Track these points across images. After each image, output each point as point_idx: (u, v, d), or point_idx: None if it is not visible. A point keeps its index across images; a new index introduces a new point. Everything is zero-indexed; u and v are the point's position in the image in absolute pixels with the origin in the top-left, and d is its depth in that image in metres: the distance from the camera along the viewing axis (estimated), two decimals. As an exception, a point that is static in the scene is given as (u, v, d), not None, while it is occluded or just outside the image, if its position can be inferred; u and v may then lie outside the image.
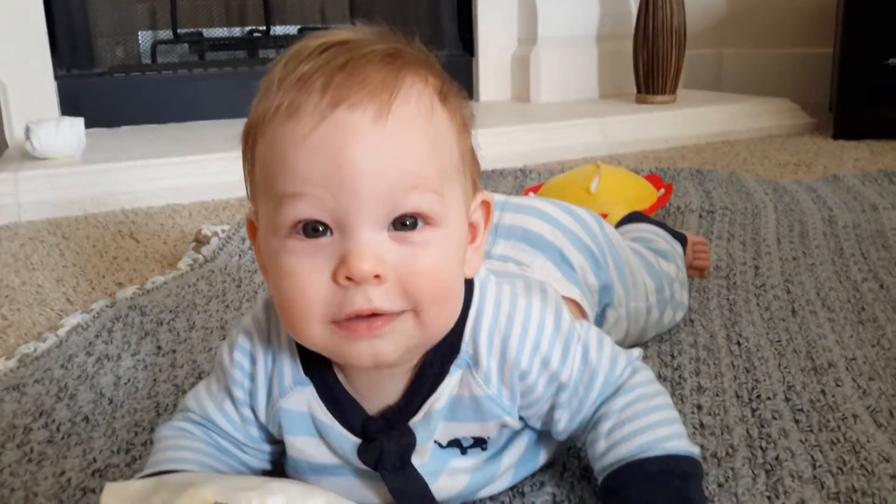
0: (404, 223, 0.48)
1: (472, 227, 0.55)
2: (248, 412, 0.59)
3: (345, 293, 0.48)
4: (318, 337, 0.50)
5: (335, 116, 0.46)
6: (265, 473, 0.62)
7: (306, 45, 0.50)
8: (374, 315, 0.48)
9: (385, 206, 0.47)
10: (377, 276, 0.47)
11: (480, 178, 0.56)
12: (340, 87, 0.47)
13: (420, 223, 0.49)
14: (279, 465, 0.62)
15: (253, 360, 0.58)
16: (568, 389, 0.56)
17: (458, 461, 0.58)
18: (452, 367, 0.55)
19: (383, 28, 0.52)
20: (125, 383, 0.83)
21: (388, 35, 0.52)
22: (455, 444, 0.58)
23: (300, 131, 0.47)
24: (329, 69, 0.47)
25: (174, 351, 0.90)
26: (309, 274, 0.48)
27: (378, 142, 0.46)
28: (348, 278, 0.47)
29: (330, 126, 0.46)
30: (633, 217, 1.08)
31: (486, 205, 0.56)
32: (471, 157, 0.54)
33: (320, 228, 0.48)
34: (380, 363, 0.50)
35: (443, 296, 0.50)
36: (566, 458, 0.66)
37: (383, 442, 0.55)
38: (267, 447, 0.61)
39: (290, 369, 0.57)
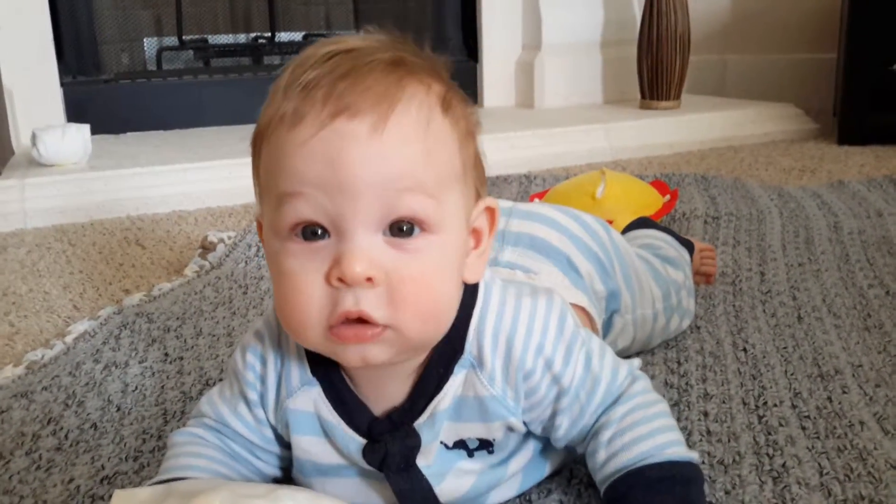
0: (401, 228, 0.49)
1: (476, 233, 0.55)
2: (261, 413, 0.60)
3: (336, 294, 0.49)
4: (314, 338, 0.51)
5: (335, 125, 0.47)
6: (276, 481, 0.62)
7: (314, 53, 0.51)
8: (362, 321, 0.49)
9: (380, 209, 0.48)
10: (369, 279, 0.48)
11: (485, 185, 0.56)
12: (342, 97, 0.48)
13: (416, 229, 0.49)
14: (290, 472, 0.62)
15: (264, 362, 0.59)
16: (569, 395, 0.57)
17: (465, 463, 0.58)
18: (456, 368, 0.56)
19: (393, 35, 0.53)
20: (133, 390, 0.83)
21: (397, 42, 0.52)
22: (461, 445, 0.58)
23: (300, 138, 0.48)
24: (332, 77, 0.48)
25: (181, 358, 0.91)
26: (305, 275, 0.49)
27: (374, 149, 0.47)
28: (340, 280, 0.48)
29: (328, 133, 0.47)
30: (641, 223, 1.08)
31: (491, 211, 0.56)
32: (474, 164, 0.54)
33: (318, 231, 0.49)
34: (369, 364, 0.51)
35: (427, 309, 0.50)
36: (573, 465, 0.66)
37: (388, 443, 0.55)
38: (279, 450, 0.61)
39: (298, 370, 0.58)
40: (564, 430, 0.58)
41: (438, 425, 0.56)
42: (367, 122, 0.47)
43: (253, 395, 0.59)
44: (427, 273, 0.50)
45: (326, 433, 0.57)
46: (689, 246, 1.02)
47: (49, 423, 0.76)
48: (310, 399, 0.57)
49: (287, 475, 0.63)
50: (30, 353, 0.93)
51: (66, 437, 0.74)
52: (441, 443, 0.57)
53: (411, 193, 0.48)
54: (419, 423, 0.56)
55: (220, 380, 0.79)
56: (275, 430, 0.60)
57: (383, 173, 0.48)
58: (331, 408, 0.57)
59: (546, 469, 0.63)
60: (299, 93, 0.49)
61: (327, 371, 0.57)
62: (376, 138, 0.47)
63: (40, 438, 0.74)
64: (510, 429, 0.58)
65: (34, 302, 1.15)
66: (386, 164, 0.48)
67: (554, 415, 0.57)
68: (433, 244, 0.50)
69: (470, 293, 0.56)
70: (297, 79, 0.49)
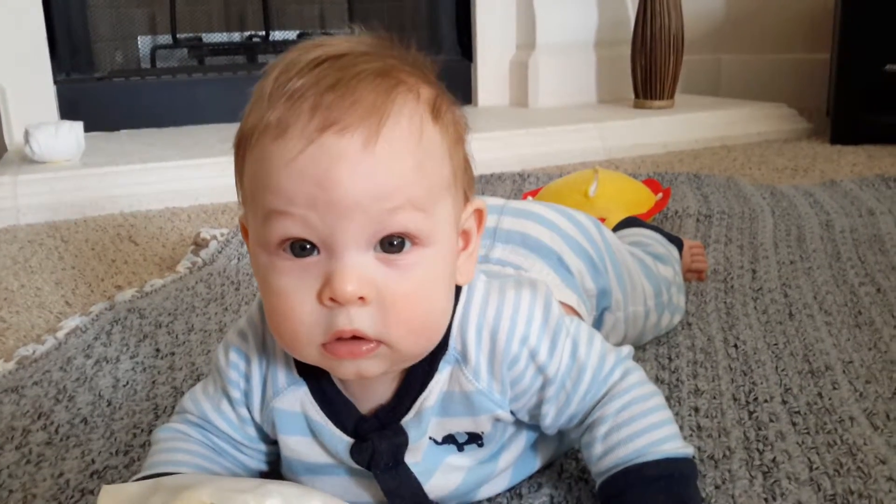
0: (391, 243, 0.48)
1: (465, 234, 0.55)
2: (244, 412, 0.59)
3: (329, 313, 0.49)
4: (309, 355, 0.51)
5: (323, 141, 0.46)
6: (262, 474, 0.62)
7: (299, 58, 0.49)
8: (356, 338, 0.49)
9: (370, 227, 0.47)
10: (362, 298, 0.48)
11: (473, 187, 0.56)
12: (330, 110, 0.46)
13: (407, 243, 0.49)
14: (276, 467, 0.62)
15: (248, 361, 0.58)
16: (555, 384, 0.57)
17: (455, 458, 0.58)
18: (441, 364, 0.55)
19: (379, 34, 0.52)
20: (124, 385, 0.83)
21: (385, 44, 0.52)
22: (450, 440, 0.58)
23: (287, 153, 0.47)
24: (319, 88, 0.47)
25: (173, 353, 0.91)
26: (297, 294, 0.49)
27: (365, 166, 0.46)
28: (332, 299, 0.48)
29: (317, 150, 0.46)
30: (629, 222, 1.09)
31: (479, 212, 0.56)
32: (463, 169, 0.54)
33: (307, 247, 0.48)
34: (364, 378, 0.52)
35: (419, 326, 0.51)
36: (564, 460, 0.66)
37: (375, 441, 0.55)
38: (264, 447, 0.61)
39: (284, 369, 0.57)
40: (552, 419, 0.58)
41: (425, 422, 0.56)
42: (358, 139, 0.46)
43: (236, 394, 0.59)
44: (419, 289, 0.50)
45: (314, 433, 0.57)
46: (677, 243, 1.03)
47: (39, 417, 0.76)
48: (296, 399, 0.57)
49: (273, 469, 0.62)
50: (21, 349, 0.93)
51: (56, 431, 0.74)
52: (430, 438, 0.57)
53: (402, 210, 0.48)
54: (406, 421, 0.56)
55: (212, 375, 0.79)
56: (260, 428, 0.60)
57: (374, 192, 0.47)
58: (318, 408, 0.57)
59: (537, 463, 0.63)
60: (284, 102, 0.47)
61: (314, 371, 0.56)
62: (367, 156, 0.46)
63: (30, 433, 0.74)
64: (498, 420, 0.58)
65: (26, 298, 1.14)
66: (377, 182, 0.47)
67: (540, 403, 0.57)
68: (425, 257, 0.50)
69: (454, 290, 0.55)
70: (282, 85, 0.48)
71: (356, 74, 0.48)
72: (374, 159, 0.46)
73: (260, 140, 0.48)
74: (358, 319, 0.48)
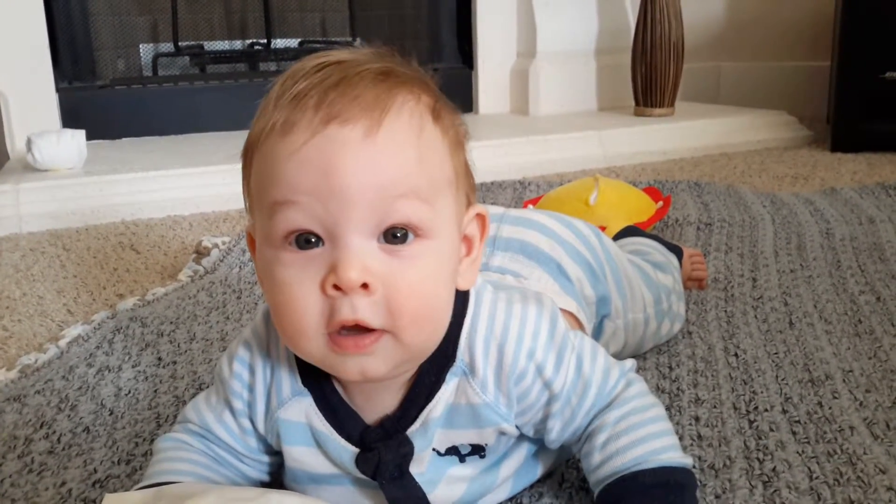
0: (395, 235, 0.49)
1: (468, 240, 0.56)
2: (247, 423, 0.59)
3: (333, 303, 0.49)
4: (313, 349, 0.51)
5: (327, 132, 0.47)
6: (263, 485, 0.62)
7: (303, 66, 0.51)
8: (360, 328, 0.49)
9: (375, 215, 0.48)
10: (365, 286, 0.48)
11: (475, 194, 0.57)
12: (333, 104, 0.48)
13: (411, 235, 0.49)
14: (278, 477, 0.62)
15: (252, 371, 0.59)
16: (560, 399, 0.57)
17: (457, 469, 0.59)
18: (448, 376, 0.56)
19: (381, 47, 0.54)
20: (126, 394, 0.83)
21: (385, 54, 0.53)
22: (453, 451, 0.58)
23: (292, 145, 0.48)
24: (323, 87, 0.49)
25: (175, 362, 0.91)
26: (301, 284, 0.49)
27: (368, 154, 0.47)
28: (336, 287, 0.48)
29: (321, 140, 0.47)
30: (629, 231, 1.10)
31: (481, 218, 0.56)
32: (465, 173, 0.55)
33: (312, 239, 0.49)
34: (368, 378, 0.52)
35: (424, 316, 0.51)
36: (564, 469, 0.66)
37: (381, 451, 0.56)
38: (265, 458, 0.61)
39: (289, 380, 0.57)
40: (557, 433, 0.58)
41: (431, 433, 0.56)
42: (360, 128, 0.48)
43: (239, 405, 0.59)
44: (423, 279, 0.50)
45: (319, 443, 0.57)
46: (677, 251, 1.03)
47: (42, 426, 0.76)
48: (301, 409, 0.57)
49: (275, 480, 0.63)
50: (23, 357, 0.93)
51: (58, 440, 0.74)
52: (433, 450, 0.57)
53: (405, 199, 0.48)
54: (412, 431, 0.56)
55: (213, 384, 0.79)
56: (262, 439, 0.60)
57: (377, 179, 0.48)
58: (322, 418, 0.57)
59: (538, 471, 0.64)
60: (290, 102, 0.49)
61: (319, 381, 0.57)
62: (369, 144, 0.47)
63: (33, 442, 0.74)
64: (502, 433, 0.58)
65: (28, 306, 1.15)
66: (380, 169, 0.48)
67: (545, 418, 0.58)
68: (428, 250, 0.50)
69: (461, 300, 0.56)
70: (287, 90, 0.49)
71: (358, 73, 0.49)
72: (376, 147, 0.48)
73: (267, 140, 0.50)
74: (361, 309, 0.48)
